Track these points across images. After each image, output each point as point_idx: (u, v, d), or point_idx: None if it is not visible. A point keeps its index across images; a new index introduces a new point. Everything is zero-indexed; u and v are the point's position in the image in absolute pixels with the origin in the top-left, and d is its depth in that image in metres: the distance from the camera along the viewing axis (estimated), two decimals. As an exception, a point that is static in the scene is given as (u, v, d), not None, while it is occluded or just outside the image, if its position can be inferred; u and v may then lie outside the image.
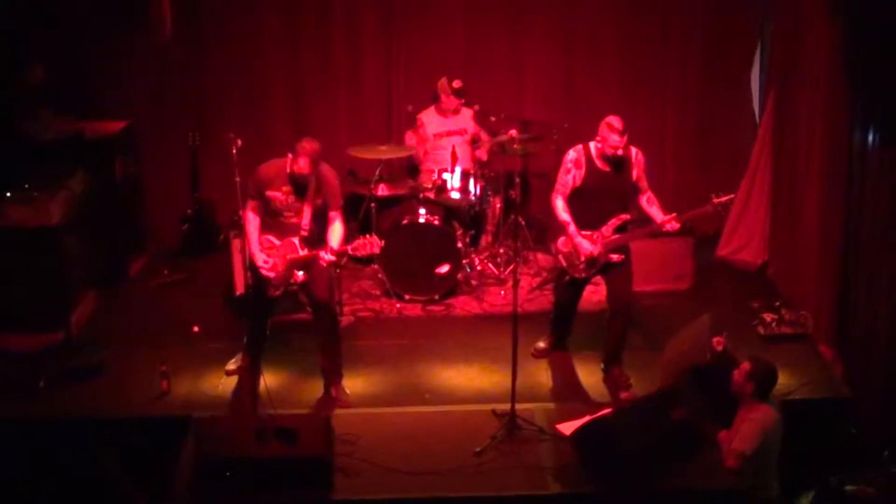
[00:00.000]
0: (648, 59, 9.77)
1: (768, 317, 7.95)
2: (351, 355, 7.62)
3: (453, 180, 8.78)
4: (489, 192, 8.96)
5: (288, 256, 6.90)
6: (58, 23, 8.81)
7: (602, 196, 7.10)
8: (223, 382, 7.41)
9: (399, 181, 9.11)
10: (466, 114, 9.14)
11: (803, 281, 8.21)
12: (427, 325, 8.33)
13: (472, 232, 9.09)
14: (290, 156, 6.84)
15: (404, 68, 9.84)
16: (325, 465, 6.30)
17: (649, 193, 7.21)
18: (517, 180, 8.86)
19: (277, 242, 6.97)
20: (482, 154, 9.04)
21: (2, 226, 7.90)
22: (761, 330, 7.89)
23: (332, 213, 6.97)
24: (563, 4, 9.71)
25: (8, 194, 7.99)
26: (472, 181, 8.82)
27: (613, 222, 7.11)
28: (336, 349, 7.25)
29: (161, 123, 9.67)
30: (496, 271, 8.97)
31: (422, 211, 8.60)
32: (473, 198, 8.84)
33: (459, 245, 8.63)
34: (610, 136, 6.95)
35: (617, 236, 7.13)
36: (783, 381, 6.95)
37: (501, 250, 9.02)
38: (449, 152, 8.83)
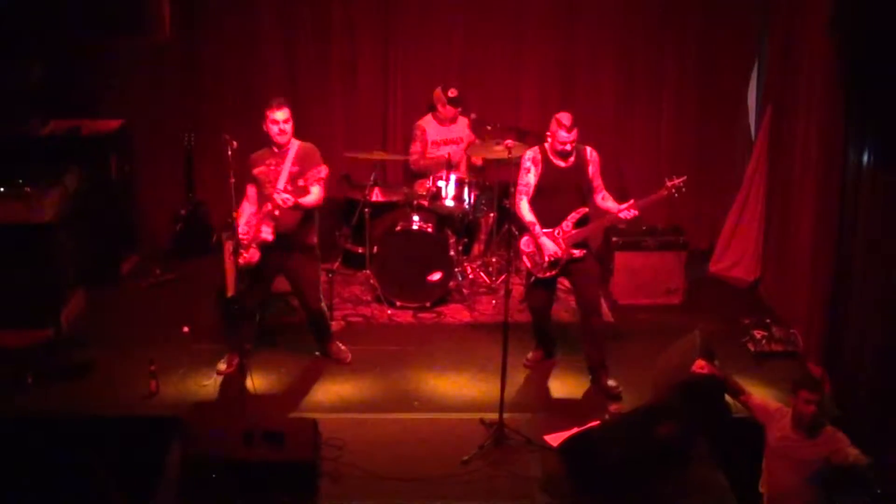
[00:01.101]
0: (645, 74, 9.80)
1: (758, 334, 7.97)
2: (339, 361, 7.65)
3: (448, 188, 8.79)
4: (483, 201, 8.97)
5: (261, 216, 7.08)
6: (56, 21, 8.79)
7: (560, 192, 7.25)
8: (211, 383, 7.40)
9: (393, 187, 9.11)
10: (462, 122, 9.15)
11: (794, 299, 8.22)
12: (417, 332, 8.33)
13: (465, 240, 9.09)
14: (263, 122, 7.12)
15: (401, 75, 9.85)
16: (312, 469, 6.29)
17: (604, 192, 7.37)
18: (512, 190, 8.85)
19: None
20: (477, 159, 9.05)
21: (-6, 221, 7.89)
22: (751, 347, 7.90)
23: (309, 183, 7.04)
24: (561, 16, 9.73)
25: (1, 189, 7.97)
26: (466, 189, 8.83)
27: (573, 216, 7.24)
28: (328, 324, 7.69)
29: (157, 123, 9.68)
30: (488, 280, 8.98)
31: (415, 218, 8.60)
32: (467, 206, 8.85)
33: (452, 253, 8.64)
34: (558, 132, 7.14)
35: (578, 230, 7.24)
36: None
37: (494, 259, 9.02)
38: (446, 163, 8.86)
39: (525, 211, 7.28)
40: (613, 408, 7.15)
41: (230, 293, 7.84)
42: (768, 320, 8.16)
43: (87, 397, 7.23)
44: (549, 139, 7.23)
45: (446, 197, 8.79)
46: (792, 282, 8.32)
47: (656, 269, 8.72)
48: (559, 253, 7.19)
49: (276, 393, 7.33)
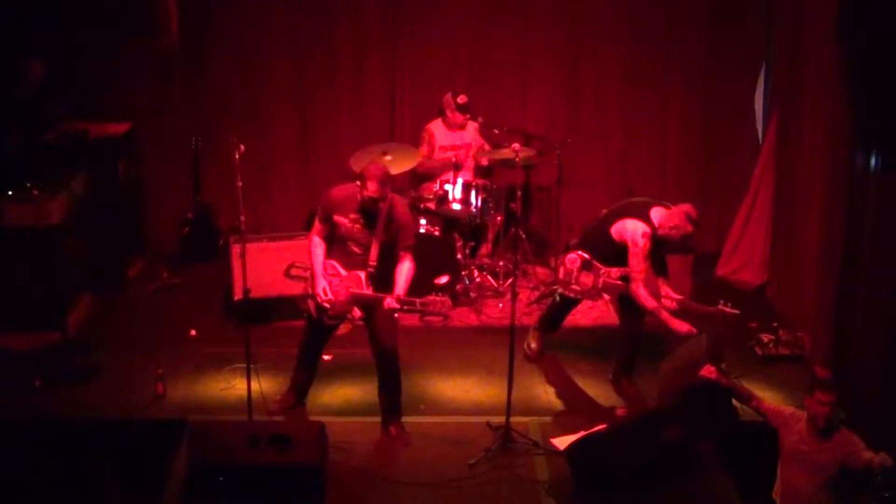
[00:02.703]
0: (651, 79, 9.79)
1: (766, 337, 7.96)
2: (347, 364, 7.65)
3: (455, 191, 8.79)
4: (490, 204, 8.97)
5: (351, 290, 6.65)
6: (63, 25, 8.82)
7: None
8: (222, 388, 7.42)
9: (400, 191, 9.09)
10: (471, 128, 9.15)
11: (801, 302, 8.22)
12: (424, 335, 8.32)
13: (473, 243, 9.09)
14: (357, 182, 6.64)
15: (408, 79, 9.85)
16: (319, 472, 6.28)
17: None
18: (519, 193, 8.87)
19: (343, 272, 6.72)
20: (482, 159, 9.05)
21: (2, 224, 7.89)
22: (759, 350, 7.90)
23: (402, 253, 6.70)
24: (569, 20, 9.73)
25: (10, 192, 7.99)
26: (473, 192, 8.83)
27: (617, 272, 7.16)
28: (396, 390, 6.94)
29: (164, 127, 9.69)
30: (495, 283, 8.98)
31: (422, 221, 8.60)
32: (474, 209, 8.85)
33: (459, 256, 8.64)
34: (688, 225, 6.93)
35: (620, 284, 7.17)
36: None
37: (501, 263, 9.02)
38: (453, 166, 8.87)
39: (645, 297, 7.05)
40: (620, 412, 7.14)
41: (237, 297, 7.85)
42: (775, 324, 8.15)
43: (94, 401, 7.24)
44: (674, 228, 6.96)
45: (453, 200, 8.79)
46: (799, 285, 8.31)
47: (663, 273, 8.69)
48: (685, 328, 6.96)
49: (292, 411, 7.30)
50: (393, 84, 9.88)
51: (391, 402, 6.95)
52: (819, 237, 7.91)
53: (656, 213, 7.05)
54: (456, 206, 8.79)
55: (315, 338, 7.04)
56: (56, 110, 8.85)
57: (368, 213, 6.62)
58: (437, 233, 8.58)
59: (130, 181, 9.36)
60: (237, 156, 6.63)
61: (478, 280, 8.98)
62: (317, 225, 6.81)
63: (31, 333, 7.88)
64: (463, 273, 8.76)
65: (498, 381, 7.19)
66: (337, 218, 6.70)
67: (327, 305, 6.69)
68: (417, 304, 6.59)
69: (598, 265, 7.19)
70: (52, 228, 7.97)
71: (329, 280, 6.71)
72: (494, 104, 9.63)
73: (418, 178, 9.20)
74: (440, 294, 6.63)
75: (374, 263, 6.65)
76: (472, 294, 8.82)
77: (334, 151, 9.69)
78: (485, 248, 9.26)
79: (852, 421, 6.98)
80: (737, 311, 6.80)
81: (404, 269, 6.68)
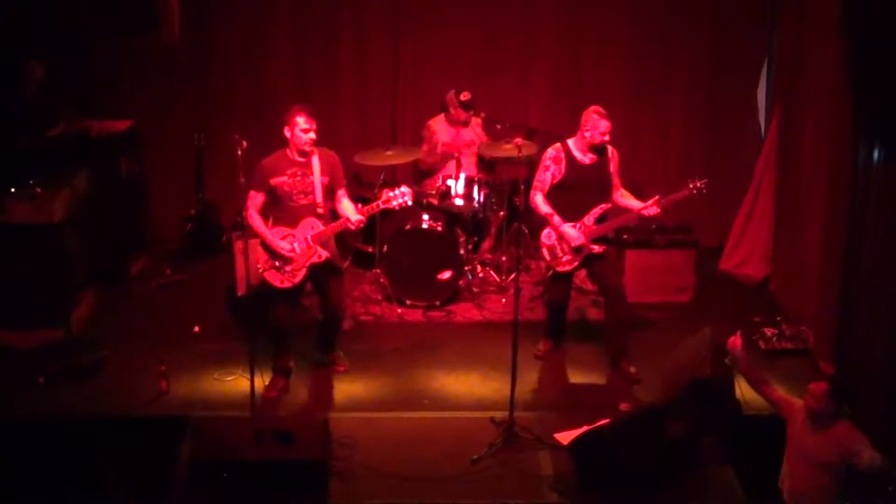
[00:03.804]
0: (654, 73, 9.79)
1: (769, 331, 7.95)
2: (351, 359, 7.67)
3: (457, 187, 8.78)
4: (493, 200, 8.97)
5: (308, 235, 6.92)
6: (64, 22, 8.82)
7: (583, 188, 7.34)
8: (223, 382, 7.42)
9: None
10: (474, 124, 9.15)
11: (805, 296, 8.21)
12: (428, 330, 8.33)
13: (475, 239, 9.09)
14: (285, 128, 6.92)
15: (411, 74, 9.86)
16: (322, 468, 6.29)
17: (622, 189, 7.49)
18: (521, 188, 8.85)
19: (293, 230, 6.99)
20: (486, 154, 9.06)
21: (5, 222, 7.90)
22: (762, 344, 7.88)
23: (340, 192, 7.07)
24: (571, 16, 9.73)
25: (12, 190, 8.00)
26: (476, 188, 8.83)
27: (595, 212, 7.33)
28: (335, 335, 7.55)
29: (166, 123, 9.70)
30: (498, 279, 8.97)
31: (425, 217, 8.60)
32: (477, 204, 8.85)
33: (462, 252, 8.64)
34: (600, 122, 7.24)
35: (599, 226, 7.33)
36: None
37: (504, 258, 9.02)
38: (455, 161, 8.87)
39: (541, 203, 7.38)
40: (624, 407, 7.14)
41: (240, 292, 7.86)
42: (779, 318, 8.14)
43: (97, 397, 7.24)
44: (588, 132, 7.26)
45: (456, 195, 8.79)
46: (802, 279, 8.30)
47: (666, 268, 8.70)
48: (583, 240, 7.27)
49: (286, 391, 7.32)
50: (395, 80, 9.88)
51: (330, 340, 7.52)
52: (822, 231, 7.90)
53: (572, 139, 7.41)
54: (459, 202, 8.79)
55: (282, 310, 7.16)
56: (58, 108, 8.85)
57: (305, 153, 6.94)
58: (439, 228, 8.58)
59: (133, 178, 9.35)
60: (239, 152, 6.63)
61: (480, 275, 8.98)
62: (253, 198, 6.97)
63: (35, 331, 7.89)
64: (466, 268, 8.75)
65: (501, 376, 7.20)
66: (274, 181, 6.92)
67: (292, 255, 6.89)
68: (380, 204, 6.91)
69: (572, 224, 7.34)
70: (54, 226, 7.98)
71: (284, 237, 6.96)
72: (497, 99, 9.62)
73: (421, 174, 9.21)
74: (396, 191, 6.78)
75: (322, 203, 6.92)
76: (474, 289, 8.82)
77: (336, 148, 9.64)
78: (487, 244, 9.26)
79: (857, 415, 7.00)
80: (705, 180, 7.23)
81: (346, 203, 7.04)
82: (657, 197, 7.32)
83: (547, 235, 7.45)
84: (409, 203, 7.02)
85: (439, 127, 9.09)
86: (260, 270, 7.04)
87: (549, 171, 7.37)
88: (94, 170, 8.70)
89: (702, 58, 9.72)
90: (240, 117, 9.43)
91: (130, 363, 7.61)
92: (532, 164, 8.92)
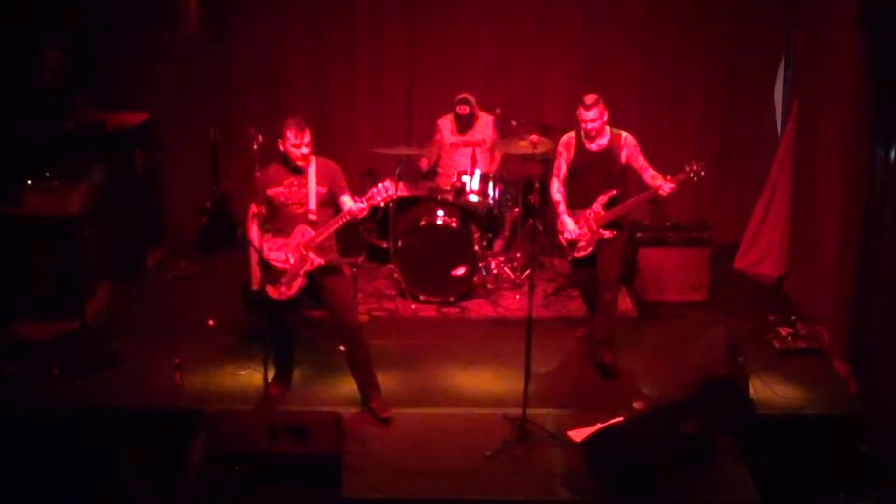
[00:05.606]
0: (671, 70, 9.76)
1: (784, 330, 7.92)
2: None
3: (472, 183, 8.78)
4: (508, 196, 8.96)
5: (302, 242, 6.76)
6: (82, 15, 8.85)
7: (589, 174, 7.42)
8: (236, 376, 7.43)
9: (418, 182, 9.12)
10: (486, 121, 9.14)
11: (820, 296, 8.18)
12: (441, 327, 8.34)
13: (490, 235, 9.09)
14: (279, 141, 6.74)
15: (427, 70, 9.86)
16: (336, 463, 6.30)
17: (651, 170, 7.39)
18: (536, 185, 8.86)
19: (286, 240, 6.82)
20: (499, 152, 9.08)
21: (22, 214, 7.94)
22: (776, 343, 7.86)
23: (343, 197, 6.82)
24: (587, 14, 9.71)
25: (29, 182, 8.03)
26: (491, 184, 8.83)
27: (602, 198, 7.39)
28: (368, 365, 7.06)
29: (183, 117, 9.71)
30: (512, 275, 8.97)
31: (440, 213, 8.60)
32: (492, 201, 8.84)
33: (476, 248, 8.63)
34: (579, 110, 7.36)
35: (609, 211, 7.37)
36: (797, 395, 6.96)
37: (518, 255, 9.01)
38: (465, 158, 8.90)
39: (554, 191, 7.54)
40: (638, 405, 7.13)
41: (255, 286, 7.86)
42: (793, 317, 8.10)
43: (112, 390, 7.26)
44: (583, 122, 7.37)
45: (471, 192, 8.79)
46: (817, 278, 8.27)
47: (681, 266, 8.68)
48: (576, 233, 7.39)
49: (300, 386, 7.33)
50: (411, 76, 9.88)
51: (366, 378, 7.03)
52: (838, 230, 7.87)
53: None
54: (473, 198, 8.79)
55: (282, 323, 7.07)
56: (75, 100, 8.88)
57: (298, 167, 6.74)
58: (454, 224, 8.58)
59: (149, 171, 9.39)
60: (255, 146, 6.64)
61: (495, 272, 8.98)
62: (253, 211, 6.82)
63: (50, 322, 7.92)
64: (480, 265, 8.75)
65: (515, 373, 7.18)
66: (271, 192, 6.79)
67: (286, 266, 6.77)
68: (365, 200, 6.59)
69: (582, 210, 7.43)
70: (71, 218, 8.02)
71: (278, 249, 6.81)
72: (512, 96, 9.62)
73: (433, 172, 9.23)
74: (379, 185, 6.66)
75: (315, 210, 6.77)
76: (489, 286, 8.82)
77: (351, 143, 9.70)
78: (501, 240, 9.26)
79: (873, 414, 7.00)
80: (703, 163, 7.18)
81: (349, 200, 6.75)
82: (669, 177, 7.26)
83: (562, 224, 7.52)
84: (394, 195, 6.86)
85: (446, 126, 9.11)
86: (258, 288, 7.00)
87: (562, 157, 7.51)
88: (111, 163, 8.73)
89: (718, 55, 9.68)
90: (256, 112, 9.43)
91: (145, 356, 7.63)
92: (547, 161, 8.93)
